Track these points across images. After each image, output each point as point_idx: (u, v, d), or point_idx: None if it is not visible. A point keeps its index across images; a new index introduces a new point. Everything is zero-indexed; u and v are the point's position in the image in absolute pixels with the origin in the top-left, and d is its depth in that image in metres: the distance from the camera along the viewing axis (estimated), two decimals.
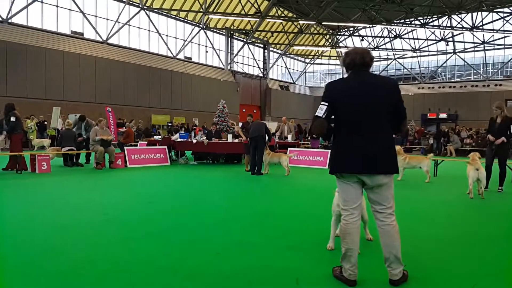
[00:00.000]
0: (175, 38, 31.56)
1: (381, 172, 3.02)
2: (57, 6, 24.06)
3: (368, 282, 3.16)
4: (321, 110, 3.08)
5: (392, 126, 3.16)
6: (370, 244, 4.21)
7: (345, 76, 3.27)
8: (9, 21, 21.72)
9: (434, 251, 4.10)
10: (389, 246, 3.07)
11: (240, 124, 16.62)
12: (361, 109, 3.03)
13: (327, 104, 3.08)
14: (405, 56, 41.58)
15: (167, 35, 30.82)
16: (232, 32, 35.33)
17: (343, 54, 3.35)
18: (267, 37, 38.37)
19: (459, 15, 34.95)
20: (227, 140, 13.88)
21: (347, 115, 3.07)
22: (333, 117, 3.15)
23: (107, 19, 26.73)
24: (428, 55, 40.67)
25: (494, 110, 8.43)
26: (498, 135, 8.26)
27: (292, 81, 44.29)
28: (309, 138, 21.15)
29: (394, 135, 3.37)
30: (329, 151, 11.86)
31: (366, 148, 3.01)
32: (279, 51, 41.80)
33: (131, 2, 27.67)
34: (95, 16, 26.08)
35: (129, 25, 27.97)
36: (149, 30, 29.51)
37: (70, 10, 24.72)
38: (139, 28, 28.88)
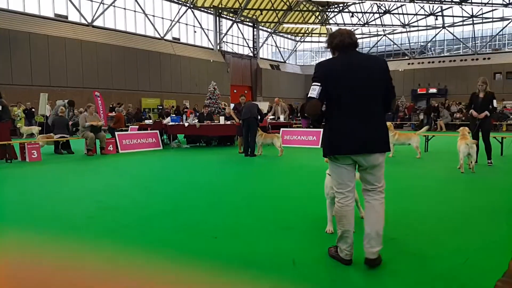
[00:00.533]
0: (162, 18, 30.98)
1: (378, 151, 3.02)
2: None
3: (362, 261, 3.16)
4: (314, 91, 3.02)
5: (384, 106, 3.14)
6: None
7: (333, 56, 3.21)
8: None
9: (425, 226, 4.16)
10: (373, 221, 3.07)
11: (232, 105, 16.55)
12: (354, 90, 3.00)
13: (319, 84, 3.02)
14: (394, 31, 41.38)
15: (153, 16, 30.24)
16: (220, 11, 34.77)
17: (327, 36, 3.24)
18: (256, 16, 37.85)
19: None
20: (219, 122, 13.82)
21: (340, 96, 3.02)
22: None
23: (92, 1, 26.08)
24: (418, 30, 40.51)
25: (480, 85, 8.50)
26: (482, 109, 8.39)
27: (282, 60, 43.96)
28: (300, 118, 21.10)
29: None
30: (321, 132, 11.82)
31: (362, 128, 2.99)
32: (269, 30, 41.33)
33: None
34: None
35: (114, 6, 27.35)
36: (135, 11, 28.91)
37: None
38: (124, 9, 28.26)
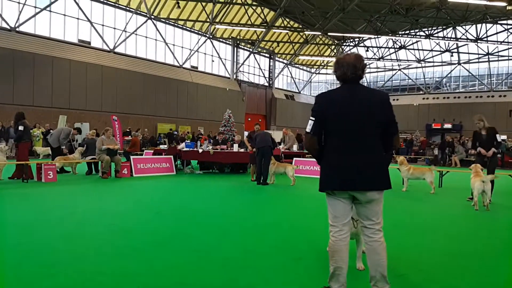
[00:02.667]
0: (182, 47, 31.82)
1: (371, 189, 2.93)
2: (64, 15, 24.37)
3: None
4: (309, 126, 3.03)
5: (385, 142, 3.04)
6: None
7: (336, 87, 3.17)
8: (17, 29, 22.00)
9: (438, 264, 4.10)
10: (376, 264, 2.98)
11: (246, 133, 16.70)
12: (352, 125, 2.95)
13: (314, 119, 3.02)
14: (410, 66, 41.66)
15: (173, 45, 31.09)
16: (238, 42, 35.57)
17: (335, 61, 3.16)
18: (273, 47, 38.60)
19: (464, 27, 35.05)
20: (232, 149, 13.92)
21: (337, 130, 2.98)
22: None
23: (114, 28, 27.02)
24: (433, 66, 40.74)
25: (477, 123, 8.55)
26: (488, 146, 8.39)
27: (297, 91, 44.42)
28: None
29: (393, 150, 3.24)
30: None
31: (355, 165, 2.93)
32: (285, 61, 41.99)
33: (138, 12, 27.98)
34: (102, 25, 26.37)
35: (136, 34, 28.25)
36: (155, 40, 29.78)
37: (78, 19, 25.02)
38: (146, 37, 29.15)
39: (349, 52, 3.20)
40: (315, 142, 3.03)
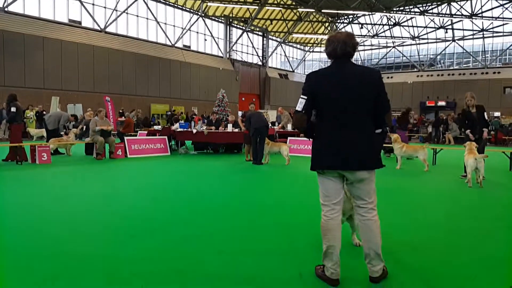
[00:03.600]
0: (174, 26, 31.34)
1: (363, 168, 2.92)
2: None
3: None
4: (300, 104, 2.98)
5: (377, 120, 3.02)
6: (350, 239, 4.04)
7: (327, 65, 3.10)
8: (6, 9, 21.51)
9: (433, 241, 4.17)
10: (370, 241, 2.99)
11: (240, 113, 16.64)
12: (342, 103, 2.91)
13: (306, 97, 2.97)
14: (404, 43, 41.43)
15: (165, 23, 30.61)
16: (231, 20, 35.09)
17: (325, 40, 3.12)
18: (266, 25, 38.14)
19: (458, 3, 34.77)
20: (226, 129, 13.90)
21: (328, 108, 2.95)
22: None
23: (105, 7, 26.50)
24: (427, 43, 40.55)
25: (470, 99, 8.54)
26: (479, 124, 8.43)
27: (291, 69, 44.14)
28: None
29: (387, 127, 3.19)
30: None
31: (347, 143, 2.91)
32: (278, 39, 41.57)
33: None
34: (93, 4, 25.85)
35: (127, 13, 27.75)
36: (147, 18, 29.29)
37: None
38: (137, 16, 28.65)
39: (341, 30, 3.11)
40: (305, 120, 3.00)
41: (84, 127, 12.85)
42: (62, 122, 13.13)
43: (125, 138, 13.04)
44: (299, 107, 2.99)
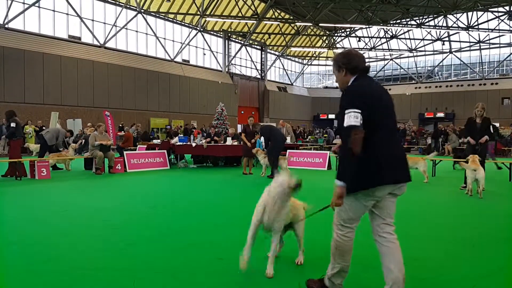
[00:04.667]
0: (173, 41, 31.60)
1: (409, 180, 2.86)
2: (54, 10, 24.08)
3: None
4: (356, 118, 2.63)
5: None
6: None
7: (361, 79, 2.92)
8: (6, 26, 21.72)
9: (433, 252, 4.15)
10: (399, 265, 2.79)
11: (240, 126, 16.67)
12: (391, 117, 2.89)
13: (360, 111, 2.66)
14: (401, 56, 41.76)
15: (164, 38, 30.86)
16: (229, 34, 35.39)
17: (339, 55, 2.98)
18: (264, 39, 38.47)
19: (455, 15, 35.15)
20: (225, 142, 13.91)
21: (383, 123, 2.79)
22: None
23: (104, 23, 26.76)
24: (425, 55, 40.86)
25: (480, 110, 8.57)
26: (481, 135, 8.44)
27: (290, 83, 44.37)
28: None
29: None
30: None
31: (400, 156, 2.83)
32: (277, 53, 41.88)
33: (128, 6, 27.72)
34: (92, 20, 26.11)
35: (126, 28, 28.01)
36: (146, 34, 29.55)
37: (67, 14, 24.74)
38: (136, 31, 28.91)
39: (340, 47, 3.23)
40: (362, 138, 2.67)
41: (83, 141, 12.83)
42: (61, 139, 13.10)
43: (125, 152, 13.05)
44: (356, 121, 2.63)
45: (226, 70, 35.60)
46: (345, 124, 2.66)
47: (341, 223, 2.89)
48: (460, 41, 37.84)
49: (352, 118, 2.64)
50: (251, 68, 39.13)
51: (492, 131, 8.63)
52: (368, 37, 40.48)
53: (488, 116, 8.74)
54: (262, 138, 13.59)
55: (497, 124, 29.01)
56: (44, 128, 20.01)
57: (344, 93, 2.85)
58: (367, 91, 2.79)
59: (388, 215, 2.90)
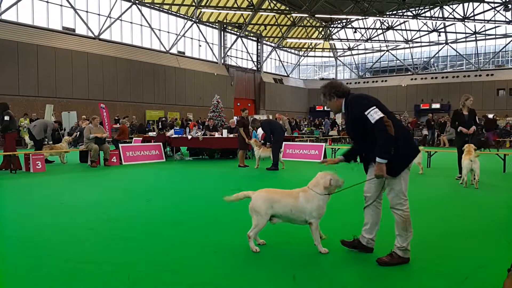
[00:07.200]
0: (168, 32, 31.39)
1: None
2: (47, 2, 23.82)
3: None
4: (378, 112, 3.29)
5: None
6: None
7: (346, 98, 3.65)
8: (0, 17, 21.50)
9: (426, 243, 4.18)
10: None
11: (235, 118, 16.64)
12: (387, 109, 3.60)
13: (375, 107, 3.34)
14: (397, 47, 41.69)
15: (159, 30, 30.64)
16: (225, 26, 35.18)
17: (326, 88, 3.65)
18: (260, 30, 38.27)
19: (451, 6, 35.08)
20: (222, 135, 13.89)
21: (387, 110, 3.44)
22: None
23: (99, 15, 26.51)
24: (421, 46, 40.83)
25: (470, 101, 8.66)
26: (468, 126, 8.56)
27: (286, 74, 44.26)
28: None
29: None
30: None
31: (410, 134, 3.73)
32: (273, 44, 41.71)
33: None
34: (87, 11, 25.85)
35: (121, 20, 27.77)
36: (141, 25, 29.32)
37: (61, 6, 24.49)
38: (131, 23, 28.67)
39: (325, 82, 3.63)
40: None
41: (78, 133, 12.72)
42: (49, 131, 12.91)
43: (120, 145, 13.01)
44: (380, 114, 3.29)
45: (222, 61, 35.44)
46: (373, 121, 3.26)
47: (403, 198, 3.50)
48: (456, 32, 37.82)
49: (376, 113, 3.27)
50: (247, 59, 38.99)
51: (477, 121, 8.80)
52: (364, 28, 40.36)
53: (484, 107, 8.82)
54: (259, 130, 13.62)
55: (492, 115, 29.12)
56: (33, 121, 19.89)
57: (349, 104, 3.51)
58: (367, 95, 3.53)
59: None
